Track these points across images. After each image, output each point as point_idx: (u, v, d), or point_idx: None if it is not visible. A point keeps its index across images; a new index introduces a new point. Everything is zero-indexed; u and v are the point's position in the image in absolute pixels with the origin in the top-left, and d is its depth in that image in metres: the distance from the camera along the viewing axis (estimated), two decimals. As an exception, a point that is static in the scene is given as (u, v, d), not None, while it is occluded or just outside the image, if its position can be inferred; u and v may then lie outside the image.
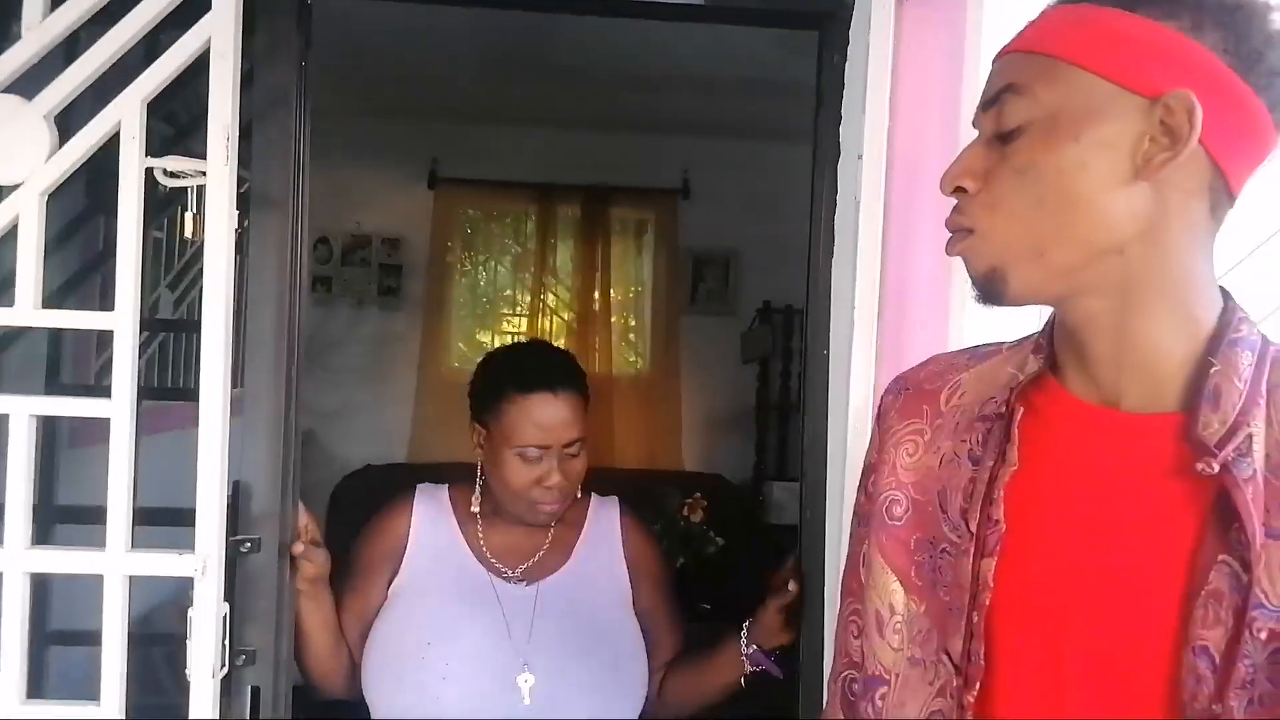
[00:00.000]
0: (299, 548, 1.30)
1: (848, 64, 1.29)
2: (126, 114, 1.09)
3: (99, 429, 1.11)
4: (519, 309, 4.49)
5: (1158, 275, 0.68)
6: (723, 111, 3.65)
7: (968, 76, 1.19)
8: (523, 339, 4.22)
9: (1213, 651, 0.63)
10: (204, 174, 1.12)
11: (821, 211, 1.32)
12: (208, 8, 1.13)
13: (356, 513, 1.57)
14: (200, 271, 1.16)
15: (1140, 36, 0.66)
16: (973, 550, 0.72)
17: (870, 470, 0.88)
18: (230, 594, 1.19)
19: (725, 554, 3.26)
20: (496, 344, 4.43)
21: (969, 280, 0.74)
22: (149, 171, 1.12)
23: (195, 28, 1.10)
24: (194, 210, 1.15)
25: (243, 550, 1.22)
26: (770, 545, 3.60)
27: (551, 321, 4.40)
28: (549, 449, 1.38)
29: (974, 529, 0.73)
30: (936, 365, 0.88)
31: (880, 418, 0.89)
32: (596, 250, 4.33)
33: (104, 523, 1.11)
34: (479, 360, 1.53)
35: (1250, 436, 0.65)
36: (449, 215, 4.28)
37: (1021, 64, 0.71)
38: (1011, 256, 0.70)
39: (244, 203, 1.21)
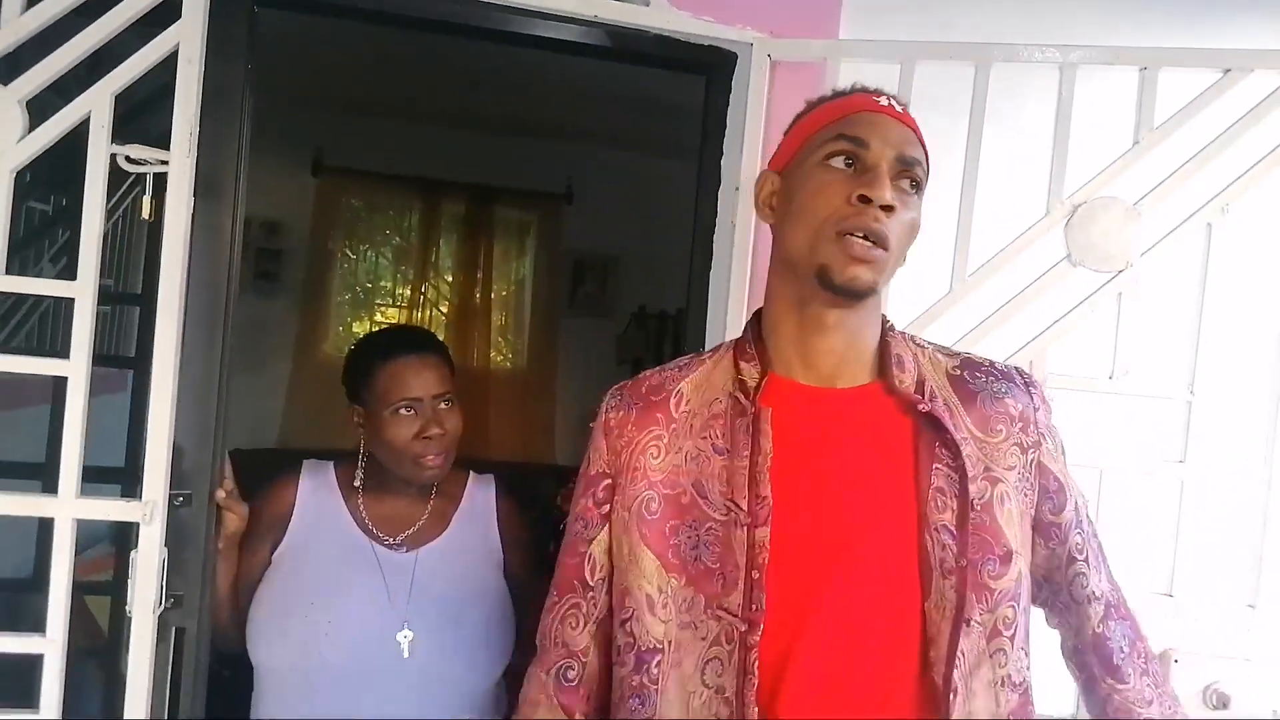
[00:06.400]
0: (221, 494, 1.42)
1: (730, 108, 1.54)
2: (97, 104, 1.22)
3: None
4: (398, 301, 4.53)
5: None
6: (609, 123, 3.83)
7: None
8: (399, 330, 4.28)
9: (950, 527, 0.90)
10: (164, 162, 1.25)
11: (701, 230, 1.55)
12: (173, 13, 1.27)
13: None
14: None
15: None
16: (748, 524, 0.90)
17: (600, 479, 1.02)
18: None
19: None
20: (374, 334, 4.47)
21: (833, 280, 0.91)
22: (111, 156, 1.25)
23: (165, 33, 1.24)
24: (150, 194, 1.27)
25: (175, 504, 1.35)
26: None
27: (431, 315, 4.46)
28: (421, 401, 1.53)
29: (745, 506, 0.90)
30: (653, 379, 1.04)
31: (612, 431, 1.02)
32: (479, 248, 4.44)
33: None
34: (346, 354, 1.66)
35: (933, 387, 0.96)
36: (332, 204, 4.30)
37: (916, 142, 0.97)
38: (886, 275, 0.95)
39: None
